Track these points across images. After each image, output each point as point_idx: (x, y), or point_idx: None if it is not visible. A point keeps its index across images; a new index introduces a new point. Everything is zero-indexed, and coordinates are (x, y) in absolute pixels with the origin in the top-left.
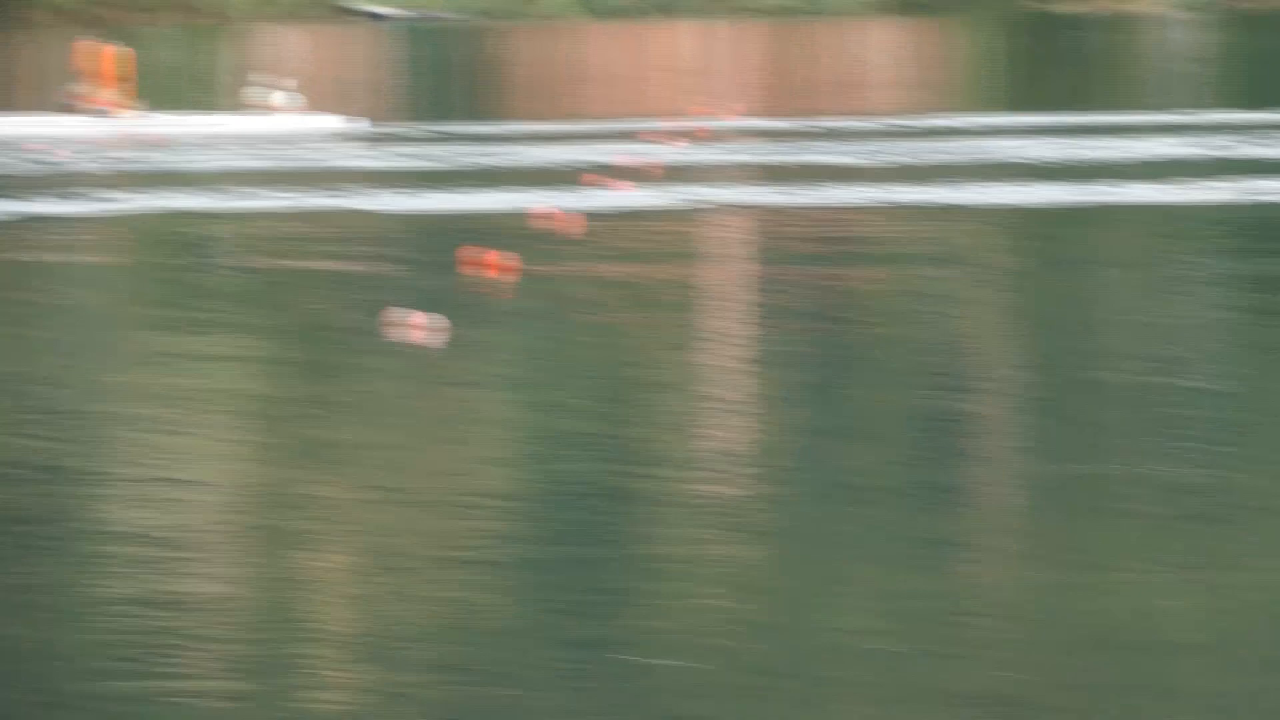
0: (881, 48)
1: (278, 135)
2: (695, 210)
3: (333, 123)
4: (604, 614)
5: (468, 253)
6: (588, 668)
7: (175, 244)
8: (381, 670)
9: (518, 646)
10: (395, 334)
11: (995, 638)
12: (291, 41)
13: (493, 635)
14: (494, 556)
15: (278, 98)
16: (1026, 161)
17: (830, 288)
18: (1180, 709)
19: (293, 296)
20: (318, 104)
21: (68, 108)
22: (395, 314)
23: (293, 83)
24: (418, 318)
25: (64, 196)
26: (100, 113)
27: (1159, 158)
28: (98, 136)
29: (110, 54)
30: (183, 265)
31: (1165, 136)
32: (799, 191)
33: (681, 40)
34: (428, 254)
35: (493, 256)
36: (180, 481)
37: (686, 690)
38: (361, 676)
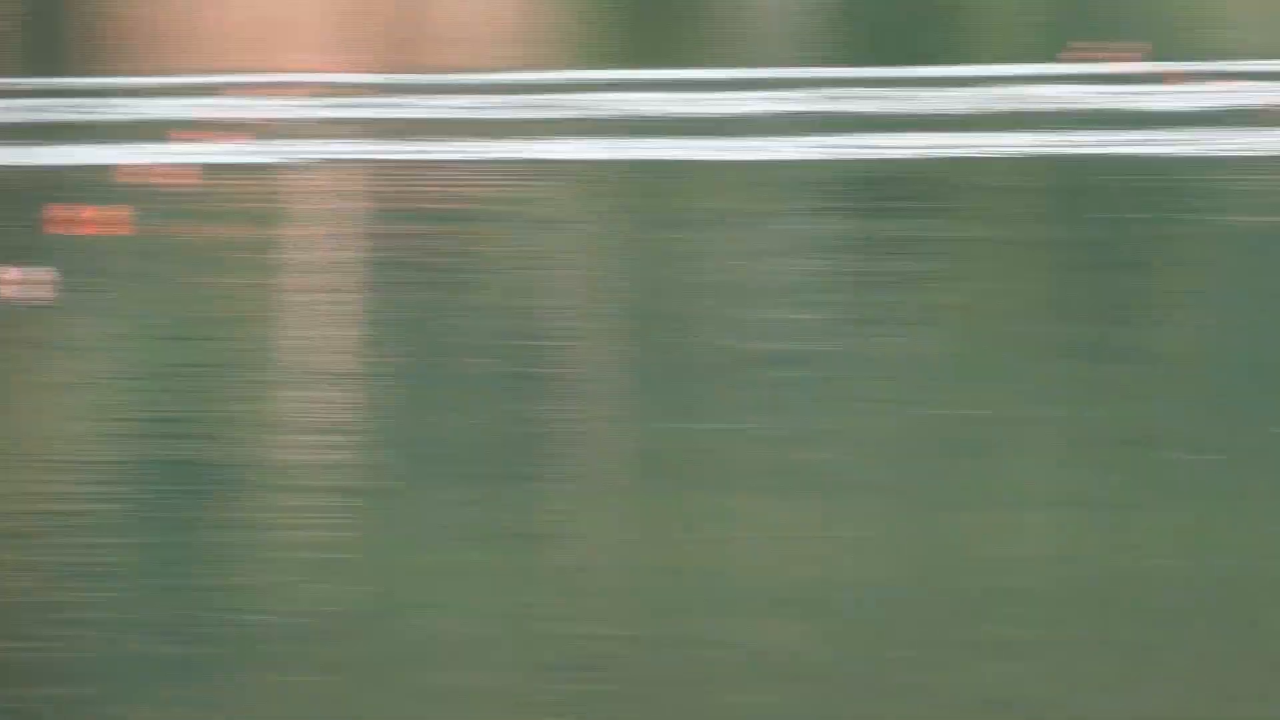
0: (482, 1)
1: None
2: (294, 167)
3: None
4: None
5: (58, 210)
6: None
7: None
8: None
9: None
10: None
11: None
12: None
13: None
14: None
15: None
16: (626, 117)
17: (429, 247)
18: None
19: None
20: None
21: None
22: None
23: None
24: (10, 272)
25: None
26: None
27: (758, 114)
28: None
29: None
30: None
31: (764, 91)
32: (401, 148)
33: None
34: (12, 211)
35: (86, 213)
36: None
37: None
38: None
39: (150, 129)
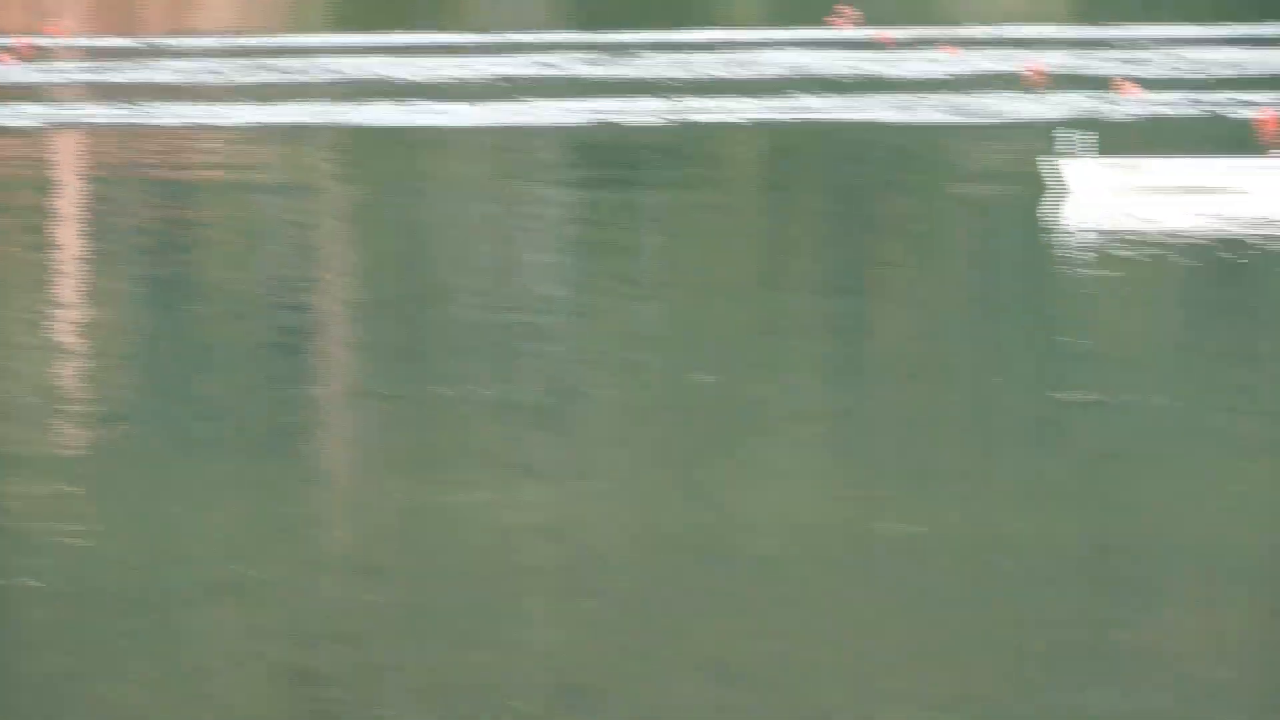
0: None
1: None
2: (10, 131)
3: None
4: None
5: None
6: None
7: None
8: None
9: None
10: None
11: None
12: None
13: None
14: None
15: None
16: (371, 81)
17: (165, 215)
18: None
19: None
20: None
21: None
22: None
23: None
24: None
25: None
26: None
27: (497, 78)
28: None
29: None
30: None
31: (502, 56)
32: (120, 112)
33: None
34: None
35: None
36: None
37: None
38: None
39: None
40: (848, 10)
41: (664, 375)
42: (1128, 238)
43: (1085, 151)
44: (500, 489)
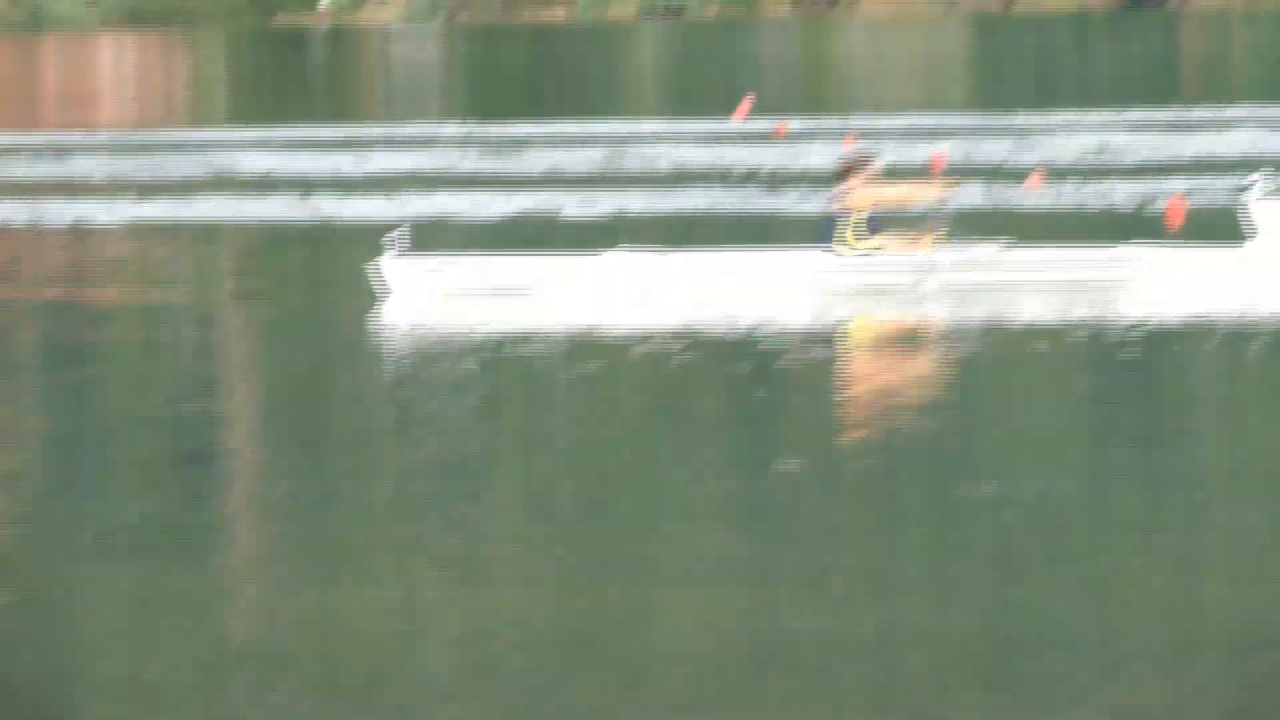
0: (112, 61)
1: None
2: None
3: None
4: None
5: None
6: None
7: None
8: None
9: None
10: None
11: None
12: None
13: None
14: None
15: None
16: (260, 176)
17: (53, 327)
18: None
19: None
20: None
21: None
22: None
23: None
24: None
25: None
26: None
27: (391, 171)
28: None
29: None
30: None
31: (398, 150)
32: (25, 208)
33: None
34: None
35: None
36: None
37: None
38: None
39: None
40: (746, 102)
41: None
42: (435, 340)
43: (406, 250)
44: (399, 590)
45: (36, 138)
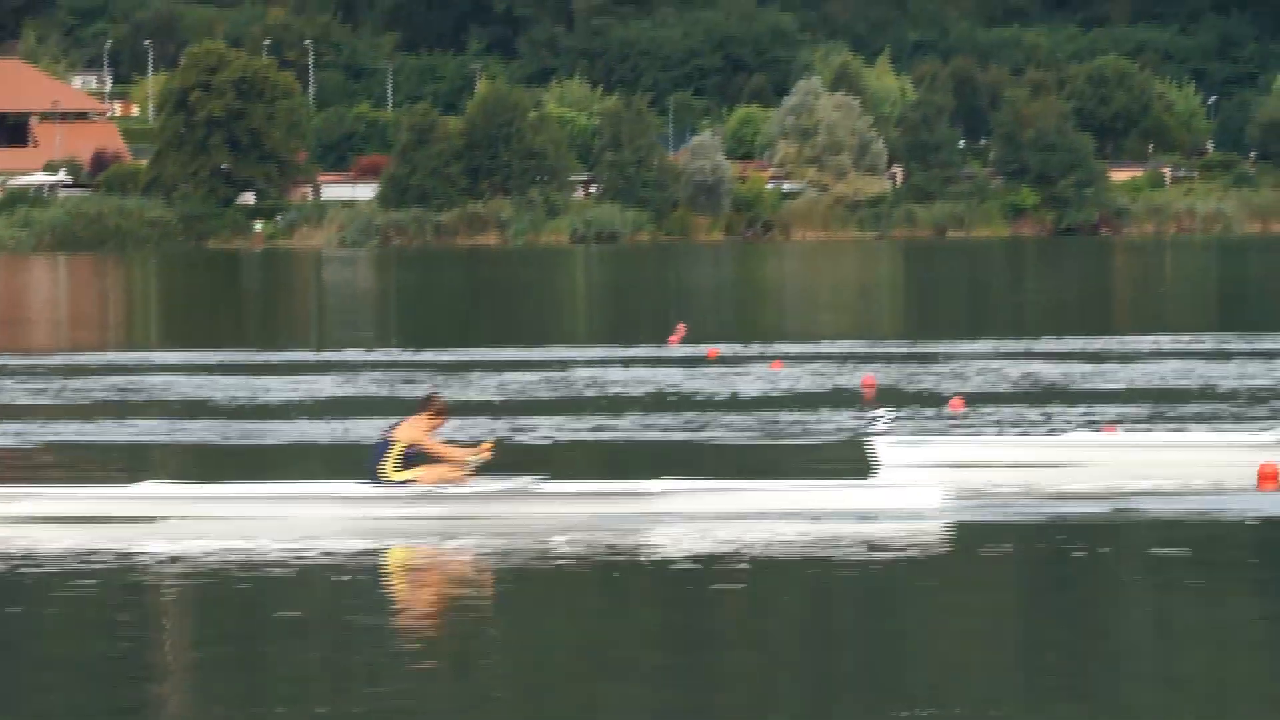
0: (47, 283)
1: None
2: None
3: None
4: None
5: None
6: None
7: None
8: None
9: None
10: None
11: None
12: None
13: None
14: None
15: None
16: (190, 398)
17: None
18: None
19: None
20: None
21: None
22: None
23: None
24: None
25: None
26: None
27: (328, 395)
28: None
29: None
30: None
31: (332, 374)
32: None
33: None
34: None
35: None
36: None
37: None
38: None
39: None
40: (680, 327)
41: None
42: None
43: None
44: None
45: None
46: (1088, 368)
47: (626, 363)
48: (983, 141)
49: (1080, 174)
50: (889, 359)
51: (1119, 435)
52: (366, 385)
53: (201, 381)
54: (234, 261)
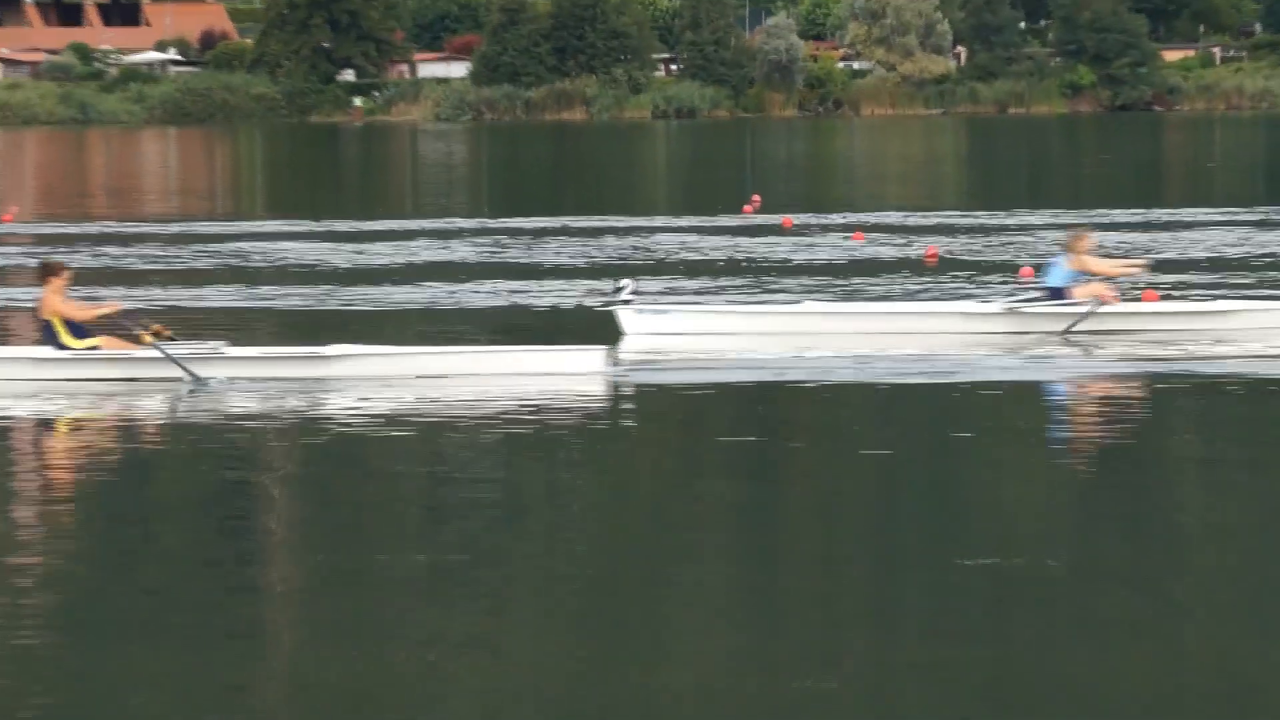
0: (154, 155)
1: None
2: None
3: None
4: None
5: None
6: None
7: None
8: None
9: None
10: None
11: None
12: None
13: None
14: None
15: None
16: (295, 264)
17: None
18: None
19: None
20: None
21: None
22: None
23: None
24: None
25: None
26: None
27: (424, 260)
28: None
29: None
30: None
31: (427, 240)
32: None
33: None
34: None
35: None
36: None
37: None
38: None
39: None
40: (756, 198)
41: None
42: None
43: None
44: (431, 655)
45: (85, 227)
46: (1136, 236)
47: (704, 230)
48: (1042, 23)
49: (1134, 54)
50: (953, 230)
51: (845, 306)
52: (460, 250)
53: (305, 247)
54: (335, 135)
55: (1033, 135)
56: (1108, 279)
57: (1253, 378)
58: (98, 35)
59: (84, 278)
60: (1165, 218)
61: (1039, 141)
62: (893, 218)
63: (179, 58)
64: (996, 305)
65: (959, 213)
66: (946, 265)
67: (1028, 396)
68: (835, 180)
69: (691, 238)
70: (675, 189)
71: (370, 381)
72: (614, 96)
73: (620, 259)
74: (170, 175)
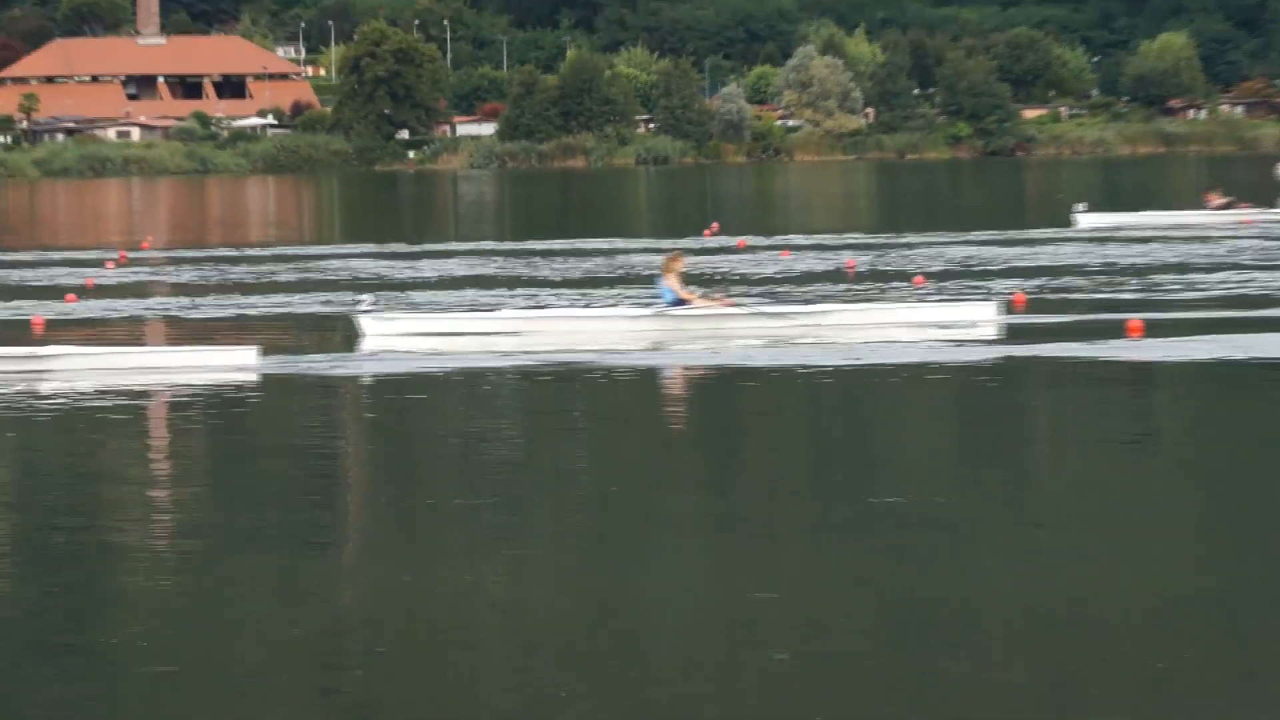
0: (256, 197)
1: None
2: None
3: None
4: None
5: None
6: None
7: None
8: None
9: None
10: None
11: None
12: None
13: None
14: None
15: None
16: (369, 277)
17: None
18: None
19: None
20: None
21: None
22: None
23: None
24: None
25: None
26: None
27: (461, 273)
28: None
29: None
30: None
31: (464, 258)
32: (215, 301)
33: (111, 193)
34: None
35: None
36: None
37: None
38: None
39: (38, 290)
40: (714, 225)
41: None
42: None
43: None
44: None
45: (204, 251)
46: (995, 250)
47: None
48: (930, 89)
49: (1000, 112)
50: (865, 248)
51: (533, 313)
52: (488, 266)
53: (370, 264)
54: (393, 181)
55: (924, 175)
56: (689, 303)
57: (817, 366)
58: (213, 106)
59: (195, 289)
60: (1018, 237)
61: (929, 180)
62: (820, 239)
63: (275, 122)
64: (649, 310)
65: (869, 235)
66: (861, 276)
67: (652, 380)
68: (775, 211)
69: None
70: (653, 218)
71: (76, 376)
72: (606, 148)
73: (599, 273)
74: (268, 212)
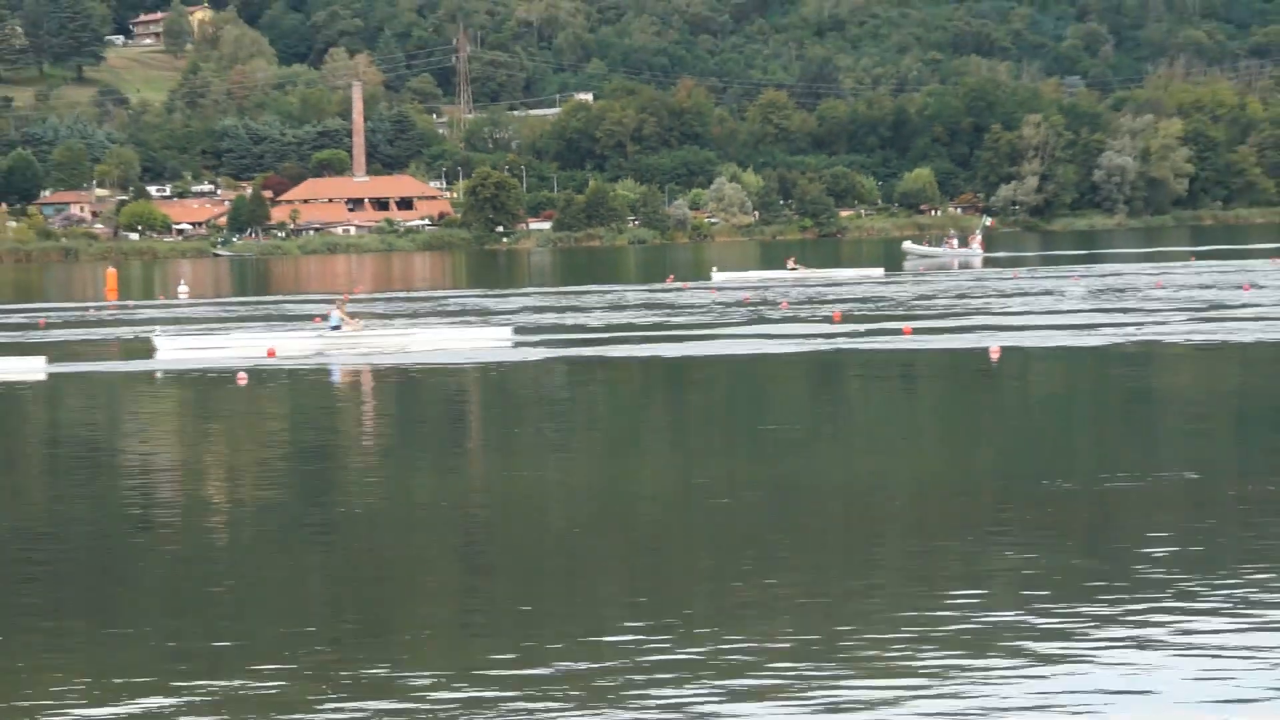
0: (418, 265)
1: None
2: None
3: None
4: None
5: None
6: None
7: None
8: None
9: None
10: None
11: None
12: None
13: None
14: None
15: None
16: (472, 308)
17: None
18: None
19: None
20: None
21: None
22: None
23: None
24: None
25: None
26: None
27: (530, 304)
28: None
29: None
30: None
31: (530, 298)
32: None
33: (339, 263)
34: None
35: None
36: None
37: None
38: None
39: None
40: (671, 276)
41: None
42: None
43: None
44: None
45: (385, 294)
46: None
47: (649, 291)
48: (789, 200)
49: (828, 214)
50: (752, 287)
51: (269, 333)
52: (543, 305)
53: (479, 302)
54: (494, 256)
55: (790, 249)
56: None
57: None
58: (395, 215)
59: (386, 316)
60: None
61: (794, 250)
62: (732, 281)
63: (429, 223)
64: (316, 332)
65: (766, 274)
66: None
67: (311, 379)
68: (705, 267)
69: (643, 294)
70: (637, 272)
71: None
72: (611, 235)
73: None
74: (423, 271)
